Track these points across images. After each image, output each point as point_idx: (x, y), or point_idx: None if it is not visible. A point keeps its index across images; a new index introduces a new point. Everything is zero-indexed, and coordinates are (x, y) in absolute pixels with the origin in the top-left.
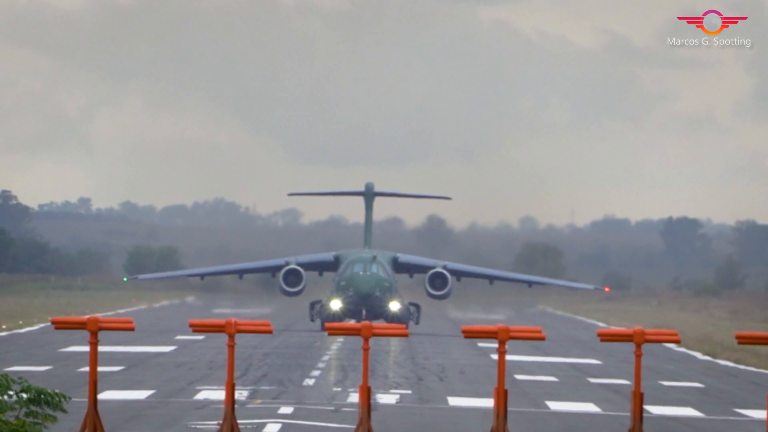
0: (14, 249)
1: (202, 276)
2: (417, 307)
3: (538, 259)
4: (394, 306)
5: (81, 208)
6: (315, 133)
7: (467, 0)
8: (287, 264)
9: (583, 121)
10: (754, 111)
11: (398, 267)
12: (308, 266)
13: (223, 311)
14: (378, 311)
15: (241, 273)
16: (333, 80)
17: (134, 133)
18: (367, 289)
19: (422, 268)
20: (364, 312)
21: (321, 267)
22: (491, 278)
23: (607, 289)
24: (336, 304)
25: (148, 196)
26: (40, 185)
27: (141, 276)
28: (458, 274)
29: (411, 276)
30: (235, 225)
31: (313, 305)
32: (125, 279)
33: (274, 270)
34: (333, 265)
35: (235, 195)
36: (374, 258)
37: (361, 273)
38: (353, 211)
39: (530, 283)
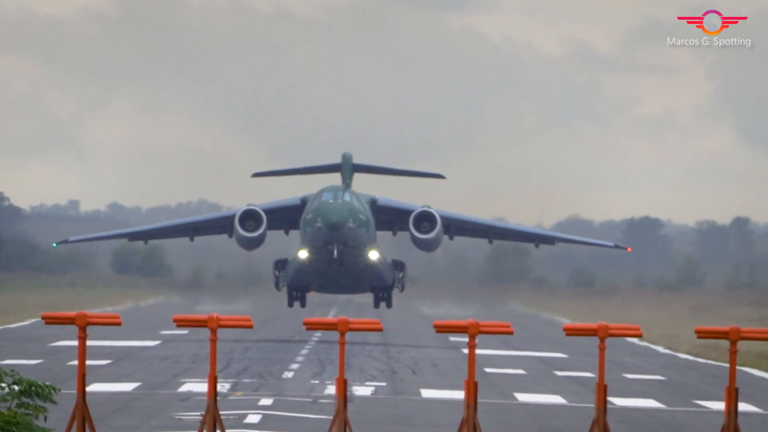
0: (6, 249)
1: (146, 239)
2: (401, 266)
3: (507, 258)
4: (373, 255)
5: (70, 210)
6: (294, 136)
7: (437, 8)
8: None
9: (551, 124)
10: (714, 114)
11: (378, 212)
12: (271, 213)
13: (206, 308)
14: (353, 254)
15: (191, 231)
16: (311, 85)
17: (122, 136)
18: (338, 218)
19: (406, 214)
20: (335, 251)
21: (286, 215)
22: (490, 233)
23: (629, 249)
24: (303, 254)
25: (135, 198)
26: (31, 187)
27: (72, 238)
28: (450, 227)
29: (394, 234)
30: None
31: (277, 265)
32: (55, 245)
33: (230, 226)
34: (300, 212)
35: (218, 196)
36: (347, 186)
37: (331, 201)
38: None
39: (537, 241)
